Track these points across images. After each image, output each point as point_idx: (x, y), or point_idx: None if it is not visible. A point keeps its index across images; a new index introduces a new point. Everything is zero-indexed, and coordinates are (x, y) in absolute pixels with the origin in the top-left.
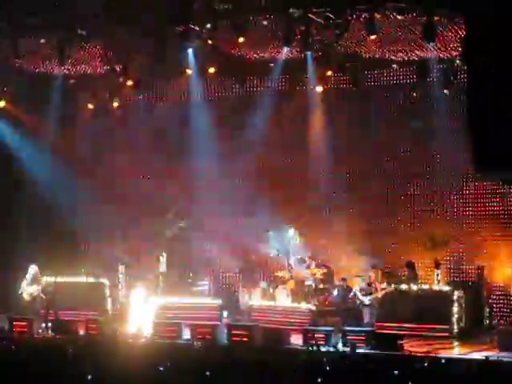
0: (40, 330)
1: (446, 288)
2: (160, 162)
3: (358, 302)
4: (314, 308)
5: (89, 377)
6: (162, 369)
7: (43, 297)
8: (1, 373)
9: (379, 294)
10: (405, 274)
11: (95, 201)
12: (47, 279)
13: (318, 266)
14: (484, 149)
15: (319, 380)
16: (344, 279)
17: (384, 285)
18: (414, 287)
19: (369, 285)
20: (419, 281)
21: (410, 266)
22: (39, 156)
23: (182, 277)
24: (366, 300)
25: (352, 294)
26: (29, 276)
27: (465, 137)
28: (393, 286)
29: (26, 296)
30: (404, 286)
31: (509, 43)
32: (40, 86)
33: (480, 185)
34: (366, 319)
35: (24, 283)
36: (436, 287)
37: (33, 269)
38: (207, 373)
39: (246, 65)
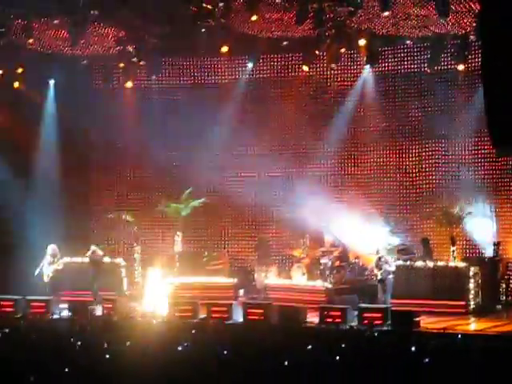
0: (57, 311)
1: (462, 264)
2: (177, 141)
3: (373, 278)
4: (329, 286)
5: (107, 356)
6: (180, 348)
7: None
8: (18, 354)
9: (391, 268)
10: (420, 251)
11: (109, 179)
12: (63, 259)
13: (332, 243)
14: (501, 124)
15: (337, 358)
16: (358, 257)
17: (399, 262)
18: (430, 264)
19: (380, 259)
20: (433, 257)
21: (425, 242)
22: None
23: (198, 256)
24: (379, 274)
25: (367, 271)
26: (47, 256)
27: (481, 112)
28: (408, 262)
29: (45, 276)
30: (419, 263)
31: None
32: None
33: (497, 160)
34: (380, 296)
35: (43, 263)
36: (452, 264)
37: (51, 248)
38: (224, 351)
39: (259, 43)
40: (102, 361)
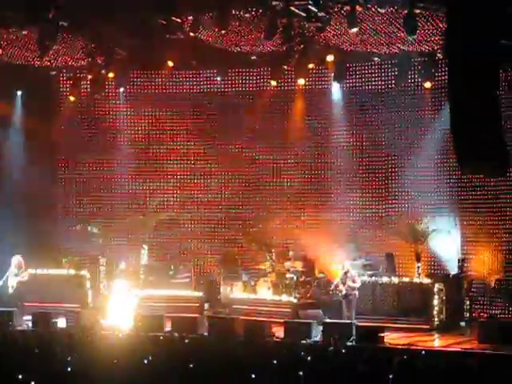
0: (20, 323)
1: (427, 281)
2: (145, 153)
3: (338, 293)
4: (295, 300)
5: (68, 369)
6: (146, 362)
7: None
8: None
9: (356, 284)
10: (384, 266)
11: (78, 190)
12: (28, 271)
13: (299, 258)
14: (466, 141)
15: (300, 373)
16: (324, 272)
17: (364, 277)
18: (395, 280)
19: (345, 274)
20: (397, 273)
21: (390, 257)
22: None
23: (164, 269)
24: (344, 290)
25: (333, 286)
26: (12, 267)
27: (447, 129)
28: (373, 278)
29: (9, 288)
30: (384, 279)
31: (490, 36)
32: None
33: (462, 177)
34: (345, 311)
35: (7, 274)
36: (417, 280)
37: (16, 259)
38: (190, 365)
39: (228, 57)
40: (64, 374)
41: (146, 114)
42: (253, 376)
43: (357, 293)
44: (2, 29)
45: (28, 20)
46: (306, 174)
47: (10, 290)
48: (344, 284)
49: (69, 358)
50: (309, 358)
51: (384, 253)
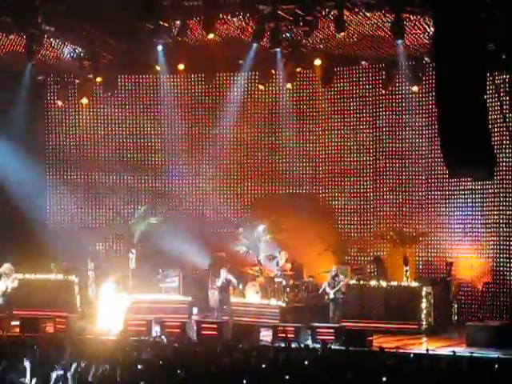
0: (8, 328)
1: (415, 284)
2: (132, 159)
3: (326, 297)
4: (283, 304)
5: (59, 373)
6: (140, 366)
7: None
8: None
9: (343, 288)
10: (373, 269)
11: (65, 195)
12: (17, 276)
13: (287, 262)
14: (454, 145)
15: (287, 377)
16: (312, 276)
17: (353, 281)
18: (383, 283)
19: (333, 278)
20: (387, 276)
21: (378, 260)
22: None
23: (152, 273)
24: (332, 294)
25: (321, 290)
26: (2, 274)
27: (434, 133)
28: (361, 282)
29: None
30: (373, 283)
31: (477, 40)
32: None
33: (449, 181)
34: (332, 315)
35: None
36: (405, 283)
37: (7, 267)
38: (178, 371)
39: (216, 61)
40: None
41: (134, 118)
42: (244, 382)
43: (343, 296)
44: None
45: (15, 25)
46: (297, 178)
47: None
48: (332, 287)
49: (55, 364)
50: (297, 363)
51: (372, 256)
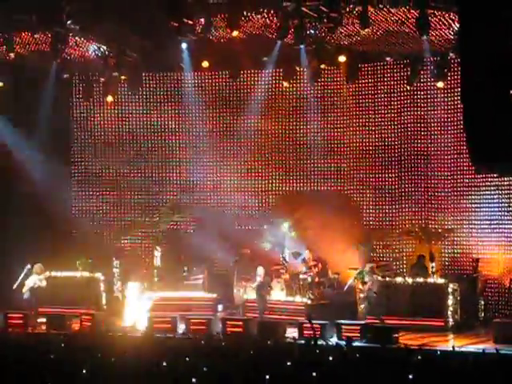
0: (35, 325)
1: (441, 281)
2: (157, 155)
3: (354, 294)
4: (308, 301)
5: (83, 371)
6: (164, 364)
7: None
8: None
9: (369, 286)
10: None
11: (90, 192)
12: (44, 274)
13: (312, 259)
14: (480, 141)
15: (314, 374)
16: (338, 273)
17: (379, 277)
18: (409, 280)
19: (360, 274)
20: (428, 275)
21: (420, 258)
22: (31, 148)
23: (177, 271)
24: (365, 291)
25: (347, 287)
26: (33, 274)
27: (460, 129)
28: (387, 279)
29: (25, 291)
30: (399, 279)
31: (503, 35)
32: (33, 80)
33: (475, 177)
34: (366, 311)
35: (22, 276)
36: (431, 280)
37: (38, 267)
38: (204, 368)
39: (240, 59)
40: (80, 376)
41: (159, 116)
42: (267, 377)
43: (373, 293)
44: (16, 32)
45: (41, 23)
46: (320, 175)
47: (26, 294)
48: (363, 284)
49: (82, 361)
50: (323, 360)
51: (397, 254)
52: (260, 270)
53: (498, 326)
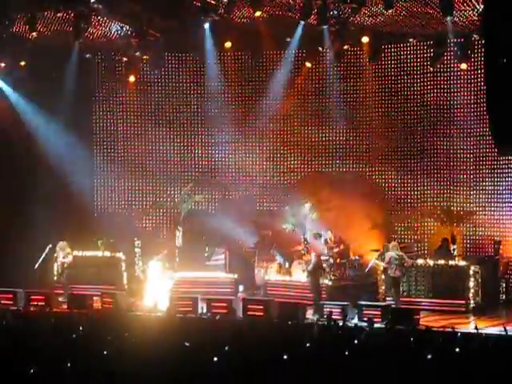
0: (56, 304)
1: (462, 263)
2: (179, 136)
3: (374, 275)
4: (329, 283)
5: (105, 352)
6: (187, 344)
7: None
8: (16, 346)
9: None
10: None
11: (113, 173)
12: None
13: (334, 241)
14: (503, 123)
15: (346, 352)
16: (360, 255)
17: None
18: (430, 262)
19: (380, 256)
20: (451, 257)
21: (445, 242)
22: (54, 129)
23: (199, 251)
24: (391, 272)
25: (368, 268)
26: (58, 252)
27: (483, 111)
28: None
29: (54, 271)
30: (420, 261)
31: None
32: (54, 59)
33: (498, 160)
34: (391, 293)
35: (44, 256)
36: (452, 262)
37: (62, 245)
38: (225, 347)
39: (263, 39)
40: (101, 356)
41: (181, 96)
42: (285, 357)
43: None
44: (38, 11)
45: (64, 2)
46: (343, 157)
47: (56, 274)
48: (390, 265)
49: (103, 340)
50: (344, 341)
51: (419, 236)
52: (313, 256)
53: None
